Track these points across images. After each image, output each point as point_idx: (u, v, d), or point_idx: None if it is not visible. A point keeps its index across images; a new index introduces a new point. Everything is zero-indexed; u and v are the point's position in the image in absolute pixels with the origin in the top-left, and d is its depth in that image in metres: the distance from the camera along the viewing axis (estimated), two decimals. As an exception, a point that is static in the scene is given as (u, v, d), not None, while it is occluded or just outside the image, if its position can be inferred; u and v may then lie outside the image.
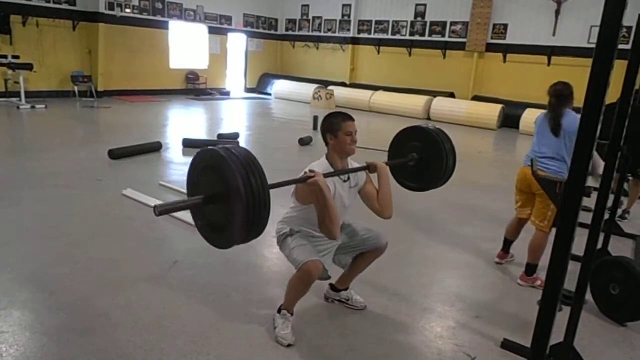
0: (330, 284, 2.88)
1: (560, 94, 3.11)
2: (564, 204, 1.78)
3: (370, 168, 2.50)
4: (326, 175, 2.25)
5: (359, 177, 2.54)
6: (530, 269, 3.29)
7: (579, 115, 2.99)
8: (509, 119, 11.54)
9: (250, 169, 1.74)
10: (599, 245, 2.94)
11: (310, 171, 2.23)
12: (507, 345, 2.53)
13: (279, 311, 2.53)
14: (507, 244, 3.63)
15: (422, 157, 2.73)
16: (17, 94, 10.05)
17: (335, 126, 2.39)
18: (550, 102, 3.16)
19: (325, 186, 2.18)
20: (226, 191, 1.75)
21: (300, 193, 2.37)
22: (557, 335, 2.21)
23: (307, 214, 2.40)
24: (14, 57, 10.26)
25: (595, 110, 1.56)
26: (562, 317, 2.19)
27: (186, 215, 4.13)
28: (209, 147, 1.86)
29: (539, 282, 3.25)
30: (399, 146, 2.84)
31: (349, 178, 2.49)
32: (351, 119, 2.43)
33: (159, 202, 4.43)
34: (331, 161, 2.44)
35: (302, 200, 2.39)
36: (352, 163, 2.57)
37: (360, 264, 2.72)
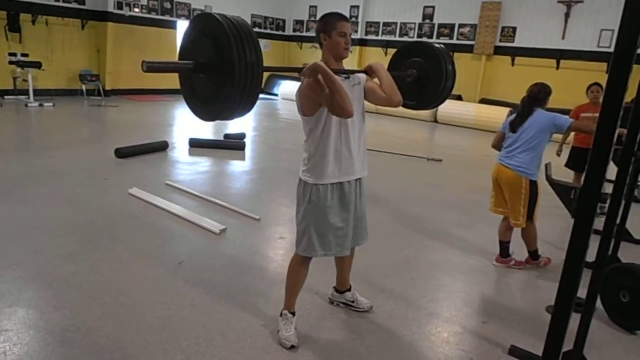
0: (334, 287, 2.86)
1: (534, 96, 3.36)
2: (579, 211, 1.74)
3: (367, 71, 2.42)
4: None
5: (359, 77, 2.43)
6: (534, 255, 3.63)
7: (548, 113, 3.28)
8: (517, 123, 11.45)
9: (248, 43, 1.63)
10: (609, 252, 2.89)
11: (304, 64, 2.13)
12: (514, 352, 2.49)
13: (280, 314, 2.52)
14: (502, 246, 3.65)
15: (421, 74, 2.66)
16: (25, 92, 10.11)
17: (329, 26, 2.27)
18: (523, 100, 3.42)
19: (325, 65, 2.08)
20: (219, 63, 1.64)
21: (304, 99, 2.24)
22: (565, 343, 2.17)
23: (322, 138, 2.28)
24: (23, 55, 10.35)
25: (613, 114, 1.52)
26: (571, 324, 2.15)
27: (193, 216, 4.14)
28: (208, 13, 1.74)
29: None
30: (399, 60, 2.78)
31: (348, 77, 2.37)
32: (346, 19, 2.31)
33: (165, 201, 4.44)
34: (326, 63, 2.25)
35: (309, 105, 2.24)
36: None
37: (344, 261, 2.72)
